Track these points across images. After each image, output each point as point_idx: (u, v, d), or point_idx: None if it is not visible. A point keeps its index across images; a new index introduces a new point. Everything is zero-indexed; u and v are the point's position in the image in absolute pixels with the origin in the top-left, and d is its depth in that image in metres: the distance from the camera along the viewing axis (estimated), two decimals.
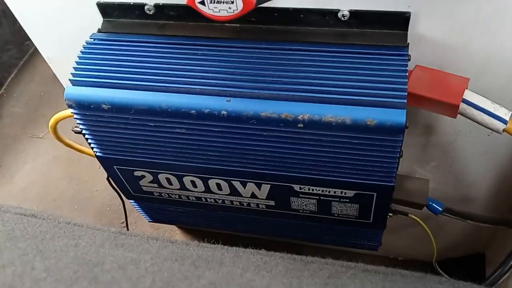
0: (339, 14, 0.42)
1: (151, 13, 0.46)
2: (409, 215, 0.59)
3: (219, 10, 0.34)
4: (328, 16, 0.43)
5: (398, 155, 0.41)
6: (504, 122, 0.41)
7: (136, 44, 0.45)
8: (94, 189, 1.09)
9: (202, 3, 0.33)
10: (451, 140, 0.55)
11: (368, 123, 0.38)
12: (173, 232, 1.01)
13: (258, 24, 0.45)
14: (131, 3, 0.46)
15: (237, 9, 0.34)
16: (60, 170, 1.15)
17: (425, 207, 0.58)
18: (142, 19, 0.47)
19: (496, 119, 0.41)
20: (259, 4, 0.37)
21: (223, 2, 0.33)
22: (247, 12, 0.34)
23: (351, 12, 0.42)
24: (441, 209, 0.58)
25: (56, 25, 0.52)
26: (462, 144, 0.55)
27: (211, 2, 0.33)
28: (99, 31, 0.48)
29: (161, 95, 0.41)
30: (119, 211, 0.77)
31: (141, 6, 0.46)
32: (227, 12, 0.34)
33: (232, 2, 0.33)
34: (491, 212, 0.65)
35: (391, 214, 0.60)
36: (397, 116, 0.38)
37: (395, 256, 0.90)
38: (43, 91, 1.28)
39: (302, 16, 0.43)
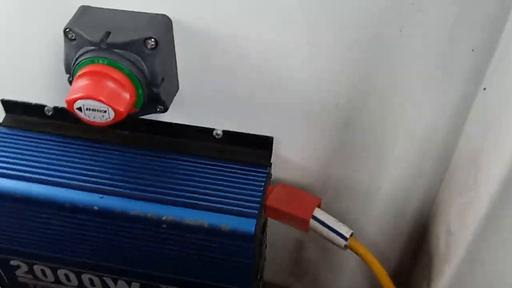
0: (214, 133, 0.49)
1: (49, 114, 0.51)
2: None
3: (94, 116, 0.39)
4: (205, 133, 0.49)
5: (252, 262, 0.45)
6: (345, 239, 0.47)
7: (29, 139, 0.49)
8: None
9: (80, 109, 0.39)
10: (320, 256, 0.60)
11: (222, 228, 0.43)
12: None
13: (145, 133, 0.51)
14: (32, 104, 0.51)
15: (109, 118, 0.39)
16: None
17: None
18: (41, 118, 0.52)
19: (339, 235, 0.47)
20: (136, 116, 0.43)
21: (97, 111, 0.39)
22: (119, 120, 0.39)
23: (224, 131, 0.49)
24: None
25: None
26: (330, 259, 0.60)
27: (86, 110, 0.39)
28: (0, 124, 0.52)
29: (38, 186, 0.45)
30: None
31: (42, 107, 0.51)
32: (101, 119, 0.39)
33: (105, 112, 0.38)
34: None
35: None
36: (248, 225, 0.43)
37: None
38: None
39: (182, 130, 0.50)
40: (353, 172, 0.50)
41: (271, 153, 0.49)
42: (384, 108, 0.44)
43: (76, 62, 0.40)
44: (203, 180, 0.46)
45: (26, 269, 0.53)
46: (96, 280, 0.51)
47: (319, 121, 0.46)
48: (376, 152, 0.48)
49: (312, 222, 0.47)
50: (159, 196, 0.44)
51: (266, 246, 0.55)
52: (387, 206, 0.52)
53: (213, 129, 0.49)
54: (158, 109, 0.44)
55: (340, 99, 0.44)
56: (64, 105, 0.48)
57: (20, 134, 0.51)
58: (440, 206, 0.49)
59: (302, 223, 0.48)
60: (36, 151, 0.48)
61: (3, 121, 0.53)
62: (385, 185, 0.50)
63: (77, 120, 0.50)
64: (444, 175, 0.48)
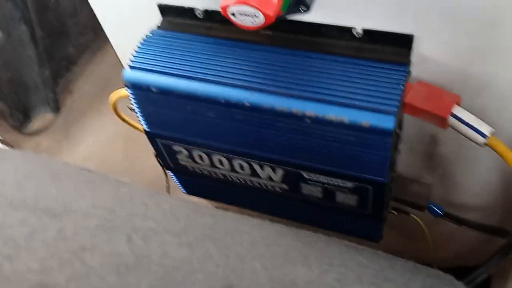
0: (354, 31, 0.50)
1: (200, 16, 0.56)
2: (411, 215, 0.65)
3: (246, 21, 0.43)
4: (345, 32, 0.51)
5: (389, 155, 0.48)
6: (485, 137, 0.47)
7: (185, 41, 0.55)
8: (146, 166, 1.21)
9: (233, 14, 0.42)
10: (455, 152, 0.61)
11: (362, 124, 0.46)
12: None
13: (287, 33, 0.53)
14: (185, 7, 0.56)
15: (260, 22, 0.42)
16: (118, 145, 1.29)
17: (426, 210, 0.65)
18: (193, 20, 0.57)
19: (478, 133, 0.48)
20: (281, 18, 0.46)
21: (249, 15, 0.42)
22: (268, 25, 0.43)
23: (364, 30, 0.50)
24: (441, 213, 0.64)
25: (124, 19, 0.63)
26: (465, 156, 0.61)
27: (240, 14, 0.42)
28: (158, 27, 0.58)
29: (198, 84, 0.51)
30: (165, 188, 0.88)
31: (193, 10, 0.56)
32: (252, 23, 0.42)
33: (256, 16, 0.42)
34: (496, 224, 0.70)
35: (395, 212, 0.67)
36: (387, 121, 0.45)
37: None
38: (111, 72, 1.42)
39: (323, 30, 0.51)
40: (496, 71, 0.49)
41: (411, 51, 0.49)
42: None
43: None
44: (343, 78, 0.49)
45: (187, 154, 0.61)
46: (245, 165, 0.58)
47: (463, 18, 0.45)
48: None
49: (451, 119, 0.48)
50: (302, 93, 0.48)
51: (401, 140, 0.58)
52: None
53: (353, 28, 0.50)
54: (301, 10, 0.46)
55: None
56: (213, 7, 0.52)
57: (176, 35, 0.56)
58: None
59: (440, 121, 0.49)
60: (191, 51, 0.54)
61: (160, 24, 0.59)
62: None
63: (225, 22, 0.54)
64: None
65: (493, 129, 0.47)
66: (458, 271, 0.80)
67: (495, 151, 0.48)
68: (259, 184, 0.61)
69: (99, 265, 0.24)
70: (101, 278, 0.23)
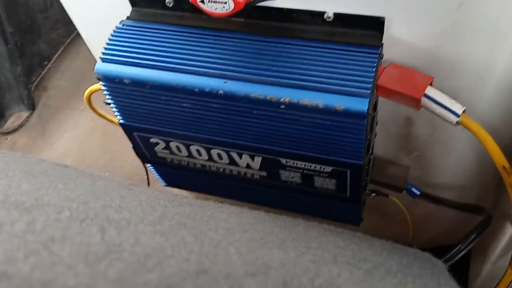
0: (325, 16, 0.50)
1: (171, 5, 0.55)
2: (390, 197, 0.66)
3: (216, 8, 0.42)
4: (316, 16, 0.50)
5: (364, 138, 0.49)
6: (457, 115, 0.48)
7: (156, 31, 0.54)
8: (124, 160, 1.20)
9: (202, 2, 0.42)
10: (430, 133, 0.62)
11: (336, 108, 0.46)
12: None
13: (259, 20, 0.53)
14: None
15: (229, 8, 0.42)
16: (95, 140, 1.27)
17: (404, 191, 0.65)
18: (163, 10, 0.56)
19: (451, 112, 0.48)
20: (252, 5, 0.45)
21: (218, 2, 0.41)
22: (238, 11, 0.42)
23: (335, 14, 0.50)
24: (418, 193, 0.65)
25: (94, 11, 0.62)
26: (439, 136, 0.62)
27: (209, 2, 0.42)
28: (128, 18, 0.57)
29: (171, 74, 0.50)
30: (145, 180, 0.87)
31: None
32: (222, 10, 0.42)
33: (225, 2, 0.41)
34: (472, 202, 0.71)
35: (374, 195, 0.68)
36: (361, 104, 0.46)
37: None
38: (86, 67, 1.40)
39: (294, 15, 0.51)
40: (467, 51, 0.49)
41: (383, 33, 0.50)
42: None
43: None
44: (316, 63, 0.49)
45: (164, 146, 0.61)
46: (223, 154, 0.58)
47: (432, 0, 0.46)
48: (492, 31, 0.46)
49: (424, 99, 0.49)
50: (277, 79, 0.48)
51: (376, 123, 0.58)
52: (501, 85, 0.51)
53: (324, 12, 0.50)
54: None
55: None
56: None
57: (146, 26, 0.55)
58: None
59: (413, 102, 0.49)
60: (162, 41, 0.53)
61: (130, 14, 0.58)
62: (500, 64, 0.49)
63: (195, 10, 0.53)
64: None
65: (465, 107, 0.48)
66: (438, 251, 0.81)
67: (468, 129, 0.49)
68: (238, 172, 0.61)
69: (67, 254, 0.24)
70: (68, 267, 0.23)
